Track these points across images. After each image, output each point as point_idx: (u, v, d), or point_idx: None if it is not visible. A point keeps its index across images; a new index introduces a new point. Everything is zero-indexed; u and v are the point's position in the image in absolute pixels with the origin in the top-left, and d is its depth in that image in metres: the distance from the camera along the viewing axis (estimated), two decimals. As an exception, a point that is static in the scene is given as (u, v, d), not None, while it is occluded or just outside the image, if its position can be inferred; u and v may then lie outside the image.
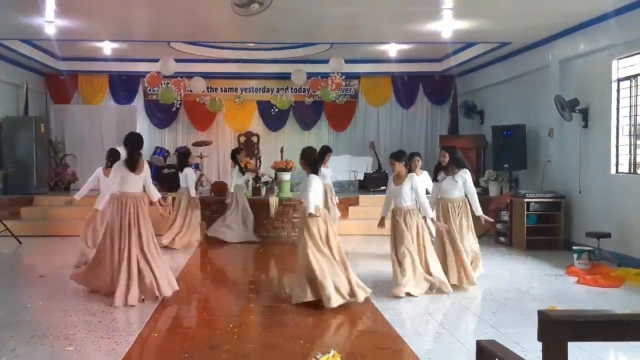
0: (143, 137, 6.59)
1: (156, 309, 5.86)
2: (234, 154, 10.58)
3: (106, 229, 6.31)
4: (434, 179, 7.06)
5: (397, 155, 6.58)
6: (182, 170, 10.01)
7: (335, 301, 5.74)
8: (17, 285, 7.00)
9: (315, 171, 6.18)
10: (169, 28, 10.38)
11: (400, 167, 6.50)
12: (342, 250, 6.14)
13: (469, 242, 6.89)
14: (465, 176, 6.84)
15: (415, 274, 6.31)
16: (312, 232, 5.93)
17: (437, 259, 6.53)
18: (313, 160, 6.26)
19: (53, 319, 5.50)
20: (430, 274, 6.40)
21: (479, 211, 6.86)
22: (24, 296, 6.41)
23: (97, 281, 6.31)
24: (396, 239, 6.45)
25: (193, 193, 9.84)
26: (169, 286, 6.19)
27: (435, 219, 6.77)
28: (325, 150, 9.83)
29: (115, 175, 6.23)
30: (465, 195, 6.97)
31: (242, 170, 10.49)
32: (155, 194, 6.70)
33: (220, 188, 11.99)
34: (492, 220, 7.71)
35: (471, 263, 6.81)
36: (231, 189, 10.37)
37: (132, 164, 6.17)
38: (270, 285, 7.44)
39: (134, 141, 6.32)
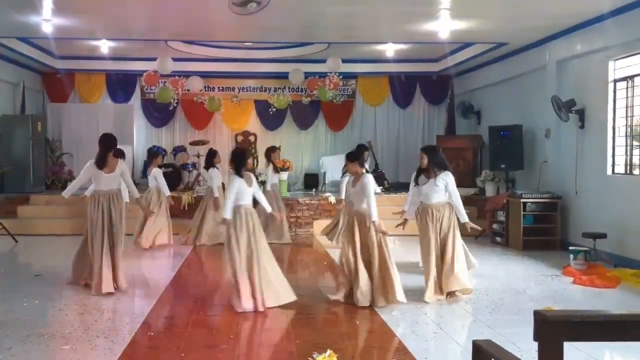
0: (116, 138, 6.88)
1: (152, 308, 5.86)
2: (269, 153, 10.40)
3: (87, 226, 6.71)
4: (415, 182, 6.58)
5: (349, 156, 6.34)
6: (207, 170, 10.10)
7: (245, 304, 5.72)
8: (13, 284, 6.98)
9: (239, 173, 6.03)
10: (166, 27, 10.37)
11: (354, 167, 6.23)
12: (267, 254, 6.00)
13: (455, 248, 6.28)
14: (447, 179, 6.29)
15: (357, 283, 5.91)
16: (230, 235, 5.87)
17: (389, 270, 5.94)
18: (236, 162, 6.09)
19: (49, 318, 5.50)
20: (385, 285, 5.93)
21: (463, 217, 6.37)
22: (20, 295, 6.39)
23: (80, 274, 6.76)
24: (346, 242, 6.17)
25: (216, 193, 9.77)
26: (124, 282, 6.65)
27: (378, 223, 5.97)
28: (363, 150, 9.37)
29: (84, 175, 6.74)
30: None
31: (277, 169, 10.32)
32: (136, 192, 7.20)
33: (217, 187, 11.97)
34: (479, 228, 7.34)
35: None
36: (268, 187, 10.09)
37: (100, 163, 6.58)
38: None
39: (103, 142, 6.69)
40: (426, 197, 6.41)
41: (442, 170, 6.34)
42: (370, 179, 6.12)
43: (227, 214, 5.85)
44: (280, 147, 12.95)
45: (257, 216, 6.09)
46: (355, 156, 6.32)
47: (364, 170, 6.40)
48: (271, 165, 10.25)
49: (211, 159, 10.04)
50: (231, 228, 5.85)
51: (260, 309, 5.72)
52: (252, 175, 6.20)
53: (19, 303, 6.06)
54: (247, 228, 5.87)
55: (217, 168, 10.01)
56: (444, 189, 6.30)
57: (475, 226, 6.72)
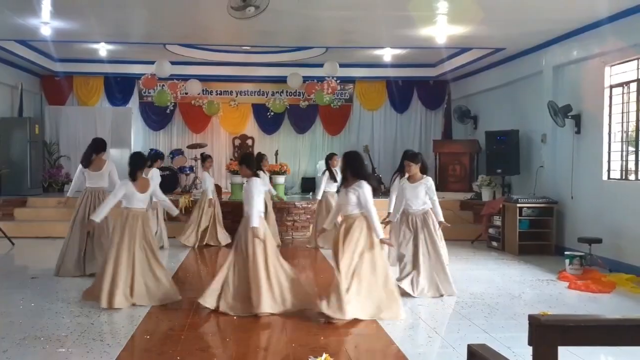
0: (105, 141, 7.83)
1: (148, 312, 5.86)
2: (327, 160, 10.09)
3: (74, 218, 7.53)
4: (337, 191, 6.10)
5: (240, 158, 6.22)
6: None
7: (119, 303, 5.87)
8: (9, 287, 6.97)
9: (133, 176, 6.16)
10: (164, 30, 10.39)
11: (243, 171, 6.03)
12: (152, 251, 6.16)
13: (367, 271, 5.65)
14: (359, 190, 5.65)
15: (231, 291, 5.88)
16: (115, 233, 6.10)
17: (261, 285, 5.68)
18: (131, 165, 6.24)
19: (45, 321, 5.49)
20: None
21: (380, 234, 5.68)
22: (16, 297, 6.38)
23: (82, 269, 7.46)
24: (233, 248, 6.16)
25: (274, 191, 10.43)
26: None
27: (256, 230, 5.78)
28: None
29: (79, 175, 7.58)
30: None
31: (334, 177, 9.58)
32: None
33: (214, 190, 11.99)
34: (449, 225, 6.91)
35: None
36: (318, 196, 9.95)
37: (86, 163, 7.49)
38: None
39: (92, 144, 7.65)
40: (342, 208, 5.88)
41: (357, 180, 5.74)
42: (254, 183, 5.87)
43: (101, 215, 6.23)
44: (280, 152, 12.98)
45: (148, 221, 6.33)
46: (243, 159, 6.12)
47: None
48: (327, 173, 9.85)
49: (258, 162, 10.25)
50: (118, 227, 6.10)
51: (119, 306, 5.87)
52: (148, 180, 6.45)
53: (15, 305, 6.05)
54: (122, 230, 6.05)
55: (265, 172, 10.02)
56: (356, 200, 5.68)
57: (445, 223, 6.78)
